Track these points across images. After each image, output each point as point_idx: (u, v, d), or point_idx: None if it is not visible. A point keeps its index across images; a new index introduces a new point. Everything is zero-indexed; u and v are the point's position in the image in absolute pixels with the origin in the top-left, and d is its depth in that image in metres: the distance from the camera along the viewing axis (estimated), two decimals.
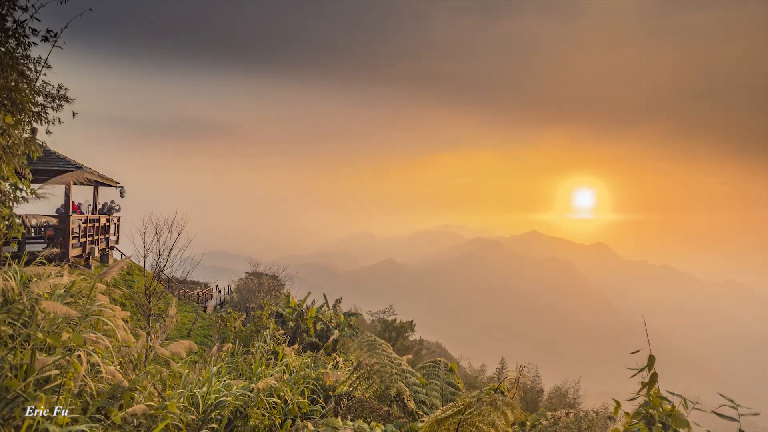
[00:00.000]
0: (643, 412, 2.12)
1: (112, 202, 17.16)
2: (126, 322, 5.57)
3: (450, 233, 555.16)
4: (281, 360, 7.27)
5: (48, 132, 6.13)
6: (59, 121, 6.23)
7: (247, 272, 23.15)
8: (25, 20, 5.43)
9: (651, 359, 2.12)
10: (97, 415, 3.57)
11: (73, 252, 13.06)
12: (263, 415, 4.82)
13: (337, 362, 8.67)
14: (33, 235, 12.39)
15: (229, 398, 4.71)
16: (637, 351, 2.19)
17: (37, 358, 3.38)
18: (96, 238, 15.12)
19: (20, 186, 5.09)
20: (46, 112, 6.00)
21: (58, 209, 13.75)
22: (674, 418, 2.00)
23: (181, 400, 4.46)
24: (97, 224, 15.20)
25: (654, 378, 2.13)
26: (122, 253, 18.07)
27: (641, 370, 2.14)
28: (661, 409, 2.09)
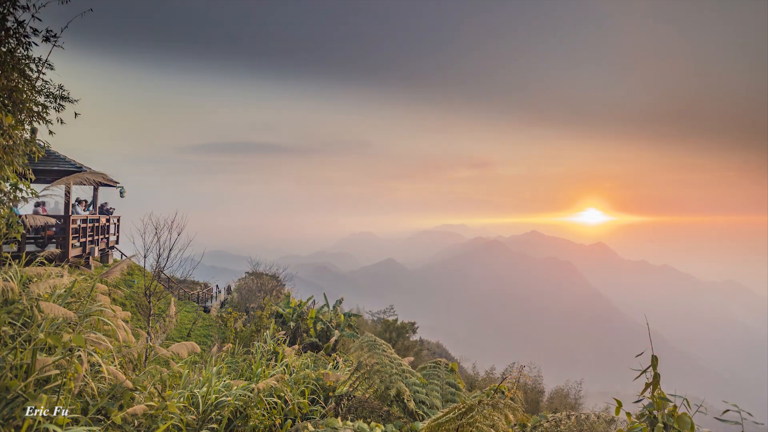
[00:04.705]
0: (647, 413, 2.11)
1: (106, 203, 17.19)
2: (126, 322, 5.57)
3: (450, 233, 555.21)
4: (281, 360, 7.26)
5: (50, 132, 6.11)
6: (61, 122, 6.21)
7: (247, 272, 23.13)
8: (25, 20, 5.42)
9: (654, 360, 2.11)
10: (97, 416, 3.56)
11: (73, 252, 13.05)
12: (263, 415, 4.82)
13: (337, 362, 8.67)
14: (32, 234, 12.38)
15: (229, 398, 4.70)
16: (641, 354, 2.18)
17: (37, 358, 3.38)
18: (96, 238, 15.12)
19: (20, 186, 5.09)
20: (47, 112, 5.99)
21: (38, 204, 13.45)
22: (679, 421, 2.00)
23: (181, 400, 4.46)
24: (97, 224, 15.20)
25: (657, 379, 2.12)
26: (122, 253, 18.06)
27: (645, 370, 2.13)
28: (664, 411, 2.08)
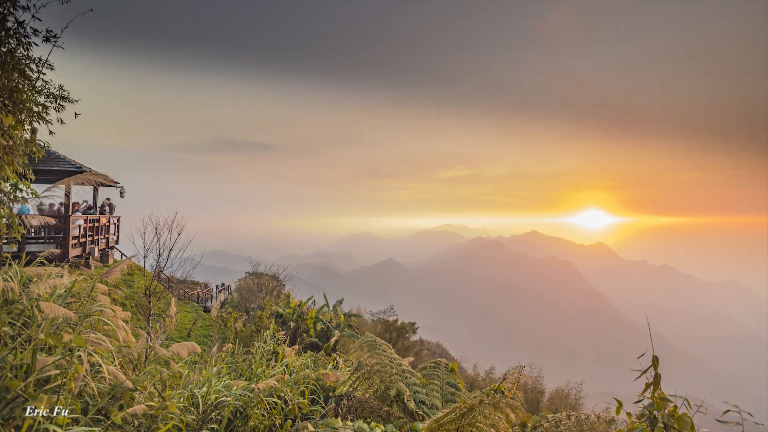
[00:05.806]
0: (647, 413, 2.11)
1: (108, 198, 17.17)
2: (126, 322, 5.57)
3: (450, 233, 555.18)
4: (281, 360, 7.26)
5: (51, 133, 6.11)
6: (61, 122, 6.21)
7: (247, 272, 23.12)
8: (25, 20, 5.41)
9: (655, 360, 2.11)
10: (97, 416, 3.56)
11: (73, 252, 13.05)
12: (263, 415, 4.81)
13: (337, 363, 8.67)
14: (33, 234, 12.38)
15: (229, 398, 4.70)
16: (643, 354, 2.18)
17: (37, 358, 3.38)
18: (96, 238, 15.12)
19: (20, 186, 5.08)
20: (47, 112, 5.98)
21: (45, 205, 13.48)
22: (679, 421, 1.99)
23: (181, 400, 4.46)
24: (97, 224, 15.20)
25: (657, 379, 2.12)
26: (122, 253, 18.06)
27: (646, 371, 2.13)
28: (665, 411, 2.08)
